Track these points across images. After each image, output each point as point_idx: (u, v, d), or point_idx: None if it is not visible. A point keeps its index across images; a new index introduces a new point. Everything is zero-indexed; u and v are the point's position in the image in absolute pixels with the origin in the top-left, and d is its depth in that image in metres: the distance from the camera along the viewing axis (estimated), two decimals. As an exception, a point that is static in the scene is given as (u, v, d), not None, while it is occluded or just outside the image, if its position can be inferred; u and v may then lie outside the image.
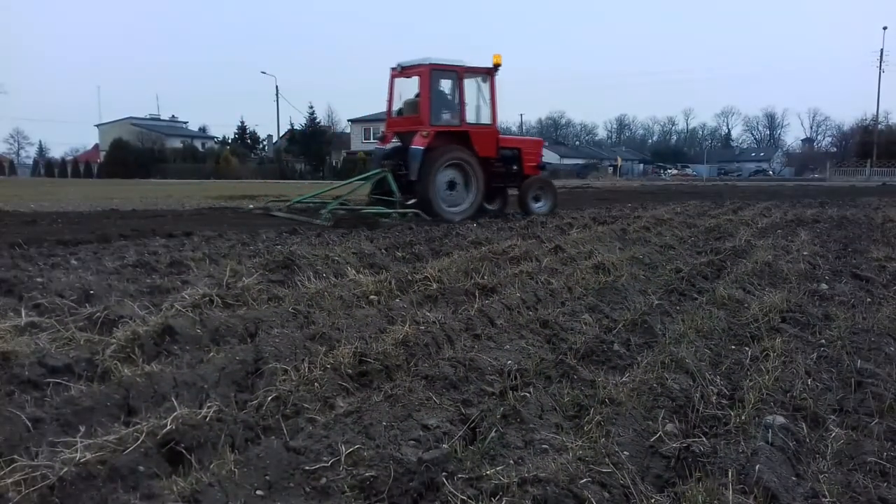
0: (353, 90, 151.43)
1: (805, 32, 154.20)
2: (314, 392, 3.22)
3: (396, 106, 14.10)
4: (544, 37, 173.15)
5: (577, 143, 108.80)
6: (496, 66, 13.62)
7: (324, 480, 2.39)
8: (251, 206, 15.11)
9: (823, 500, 2.30)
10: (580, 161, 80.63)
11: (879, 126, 65.17)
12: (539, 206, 14.32)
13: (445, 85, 13.69)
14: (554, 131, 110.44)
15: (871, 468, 2.55)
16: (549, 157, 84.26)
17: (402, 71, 13.62)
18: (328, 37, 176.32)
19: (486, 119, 13.92)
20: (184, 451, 2.51)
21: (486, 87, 13.88)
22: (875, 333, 4.37)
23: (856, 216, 13.77)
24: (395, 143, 14.07)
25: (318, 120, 68.96)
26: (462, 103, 13.43)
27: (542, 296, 5.41)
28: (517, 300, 5.14)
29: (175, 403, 2.85)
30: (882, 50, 63.55)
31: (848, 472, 2.55)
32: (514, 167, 14.33)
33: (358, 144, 72.65)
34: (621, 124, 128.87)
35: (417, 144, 12.71)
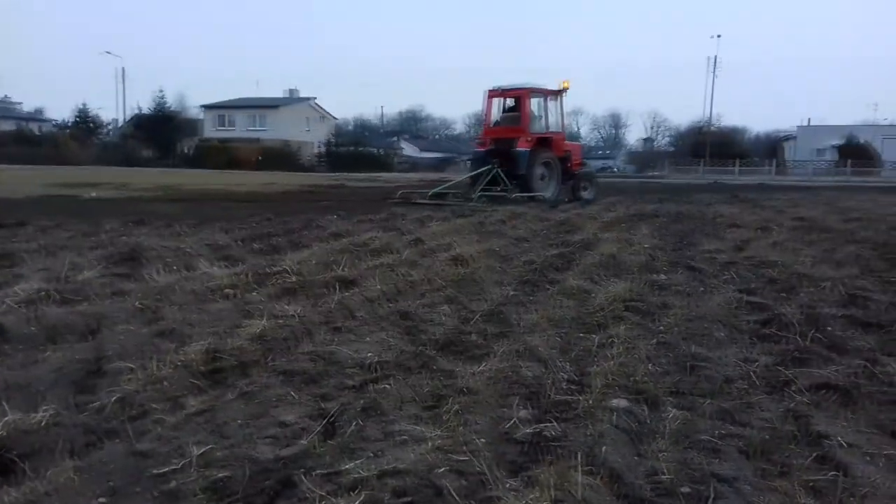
0: (207, 76, 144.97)
1: (645, 39, 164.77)
2: (162, 391, 3.07)
3: (493, 118, 18.45)
4: (407, 33, 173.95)
5: (437, 136, 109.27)
6: (565, 89, 18.52)
7: (173, 483, 2.28)
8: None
9: (662, 477, 2.47)
10: (439, 154, 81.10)
11: (712, 128, 70.57)
12: (586, 193, 18.78)
13: (536, 103, 18.26)
14: (414, 124, 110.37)
15: (705, 446, 2.75)
16: (409, 150, 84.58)
17: (502, 92, 18.12)
18: (185, 22, 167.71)
19: (558, 128, 18.78)
20: (16, 459, 2.32)
21: (556, 104, 18.67)
22: (707, 320, 4.74)
23: (690, 211, 14.87)
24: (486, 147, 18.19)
25: (167, 104, 65.34)
26: (546, 117, 18.33)
27: (402, 288, 5.44)
28: (377, 292, 5.14)
29: (6, 408, 2.63)
30: (715, 56, 68.94)
31: (684, 450, 2.73)
32: (568, 164, 18.69)
33: (211, 131, 69.36)
34: (479, 120, 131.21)
35: (524, 147, 17.11)
